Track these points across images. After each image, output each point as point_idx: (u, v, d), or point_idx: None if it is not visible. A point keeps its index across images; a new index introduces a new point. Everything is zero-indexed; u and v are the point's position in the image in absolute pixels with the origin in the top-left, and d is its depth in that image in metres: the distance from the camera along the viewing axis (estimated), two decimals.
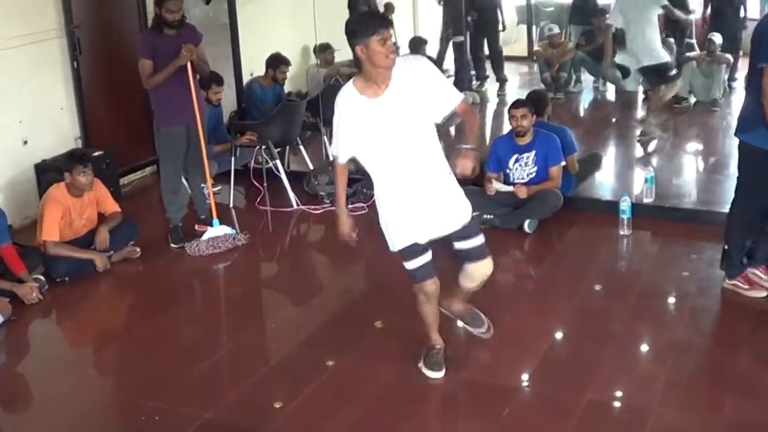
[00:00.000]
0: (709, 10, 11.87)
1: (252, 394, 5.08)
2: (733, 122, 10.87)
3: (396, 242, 4.91)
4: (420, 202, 4.81)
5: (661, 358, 5.32)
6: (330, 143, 8.86)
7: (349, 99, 4.75)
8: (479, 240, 4.96)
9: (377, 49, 4.54)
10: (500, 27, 12.29)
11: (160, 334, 5.95)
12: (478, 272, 5.00)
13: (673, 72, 9.55)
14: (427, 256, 4.93)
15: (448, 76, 11.99)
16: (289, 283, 6.92)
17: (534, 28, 13.99)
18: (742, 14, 11.69)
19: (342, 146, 4.85)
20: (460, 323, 5.44)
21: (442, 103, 4.77)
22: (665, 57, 9.47)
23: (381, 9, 11.34)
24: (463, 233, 4.91)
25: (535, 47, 13.22)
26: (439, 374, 5.13)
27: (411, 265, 4.92)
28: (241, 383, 5.24)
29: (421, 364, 5.18)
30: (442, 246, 4.98)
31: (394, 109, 4.69)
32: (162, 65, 6.92)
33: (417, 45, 11.79)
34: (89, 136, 8.57)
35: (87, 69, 8.52)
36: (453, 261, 5.04)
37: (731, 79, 11.57)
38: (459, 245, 4.94)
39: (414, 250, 4.89)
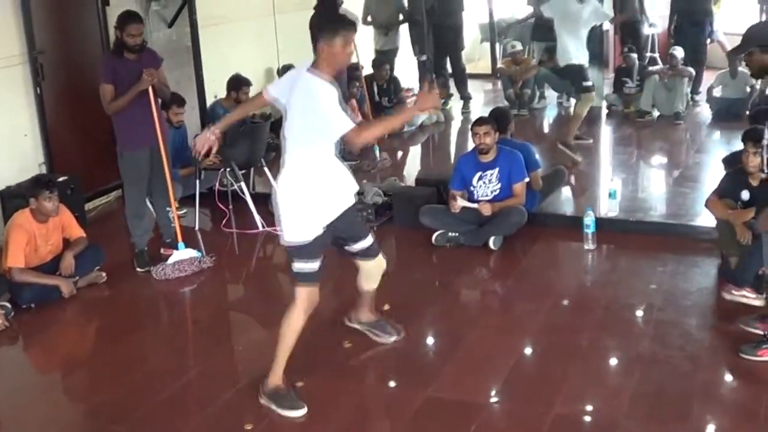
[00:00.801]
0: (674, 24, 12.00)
1: (221, 416, 5.06)
2: (697, 136, 11.10)
3: (309, 232, 4.96)
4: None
5: (628, 370, 5.35)
6: None
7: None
8: (371, 239, 5.42)
9: (338, 50, 4.89)
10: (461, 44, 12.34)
11: (127, 358, 5.91)
12: (375, 270, 5.53)
13: (589, 83, 9.63)
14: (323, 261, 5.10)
15: (413, 95, 12.04)
16: (255, 305, 6.90)
17: (497, 45, 14.07)
18: (707, 29, 11.80)
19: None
20: (371, 335, 5.71)
21: None
22: (583, 60, 9.59)
23: None
24: (357, 235, 5.35)
25: (499, 64, 13.29)
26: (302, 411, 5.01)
27: (312, 265, 5.03)
28: (209, 406, 5.19)
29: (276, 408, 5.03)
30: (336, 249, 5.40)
31: None
32: (123, 90, 6.90)
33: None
34: (53, 162, 8.53)
35: (50, 94, 8.49)
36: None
37: (694, 92, 11.69)
38: (355, 247, 5.38)
39: (316, 248, 5.01)
